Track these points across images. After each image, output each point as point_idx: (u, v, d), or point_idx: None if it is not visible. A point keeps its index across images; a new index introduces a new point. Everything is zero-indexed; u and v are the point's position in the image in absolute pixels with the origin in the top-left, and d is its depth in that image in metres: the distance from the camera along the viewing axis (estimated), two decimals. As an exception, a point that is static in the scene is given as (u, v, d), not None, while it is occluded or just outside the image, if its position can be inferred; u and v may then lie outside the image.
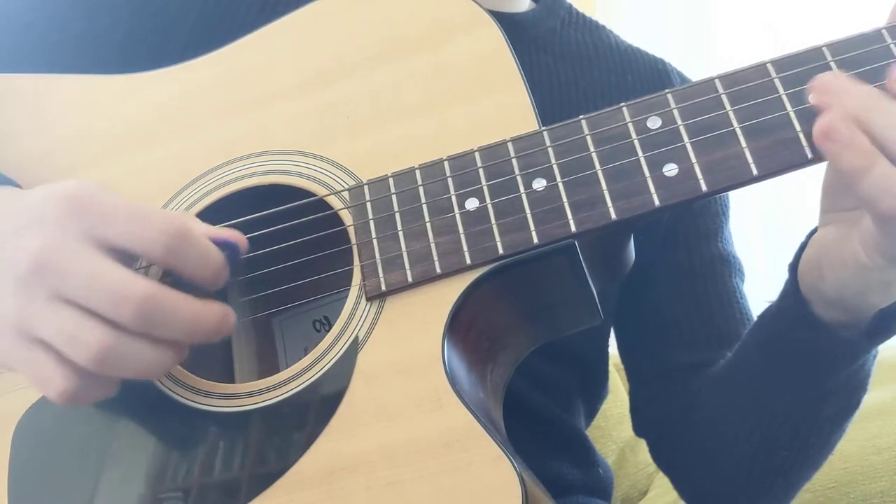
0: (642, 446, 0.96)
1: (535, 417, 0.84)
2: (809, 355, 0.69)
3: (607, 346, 0.94)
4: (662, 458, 0.94)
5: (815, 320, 0.67)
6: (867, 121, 0.53)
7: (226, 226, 0.65)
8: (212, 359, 0.72)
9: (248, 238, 0.65)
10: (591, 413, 0.97)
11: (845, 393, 0.73)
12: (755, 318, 0.78)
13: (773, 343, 0.74)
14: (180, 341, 0.56)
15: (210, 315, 0.55)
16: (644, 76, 0.93)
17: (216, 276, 0.56)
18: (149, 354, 0.54)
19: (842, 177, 0.55)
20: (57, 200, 0.54)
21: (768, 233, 1.83)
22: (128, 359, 0.54)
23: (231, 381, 0.73)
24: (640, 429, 0.95)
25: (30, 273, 0.53)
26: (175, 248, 0.54)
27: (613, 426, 1.45)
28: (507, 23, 0.71)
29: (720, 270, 0.90)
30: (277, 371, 0.63)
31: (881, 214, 0.54)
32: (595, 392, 0.95)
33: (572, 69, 0.90)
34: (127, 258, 0.54)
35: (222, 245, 0.57)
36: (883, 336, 0.68)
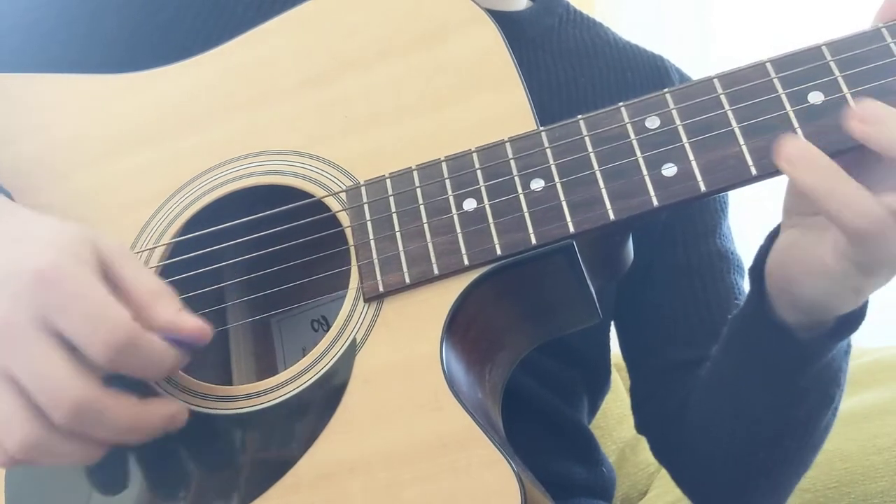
0: (643, 446, 0.97)
1: (542, 414, 0.84)
2: (774, 358, 0.69)
3: (608, 340, 0.94)
4: (662, 455, 0.94)
5: (777, 323, 0.67)
6: None
7: (225, 222, 0.66)
8: (209, 359, 0.72)
9: (246, 240, 0.65)
10: (593, 410, 0.97)
11: (816, 391, 0.72)
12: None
13: (740, 347, 0.74)
14: (113, 442, 0.55)
15: (151, 420, 0.55)
16: (643, 73, 0.93)
17: (162, 376, 0.56)
18: (75, 451, 0.53)
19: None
20: (28, 274, 0.53)
21: (768, 232, 1.82)
22: (52, 454, 0.53)
23: (229, 380, 0.72)
24: (640, 425, 0.95)
25: None
26: (117, 358, 0.52)
27: (614, 426, 1.45)
28: (506, 21, 0.70)
29: (718, 267, 0.90)
30: (275, 371, 0.62)
31: (849, 233, 0.54)
32: (598, 387, 0.95)
33: (571, 67, 0.89)
34: None
35: (179, 342, 0.56)
36: (844, 335, 0.67)
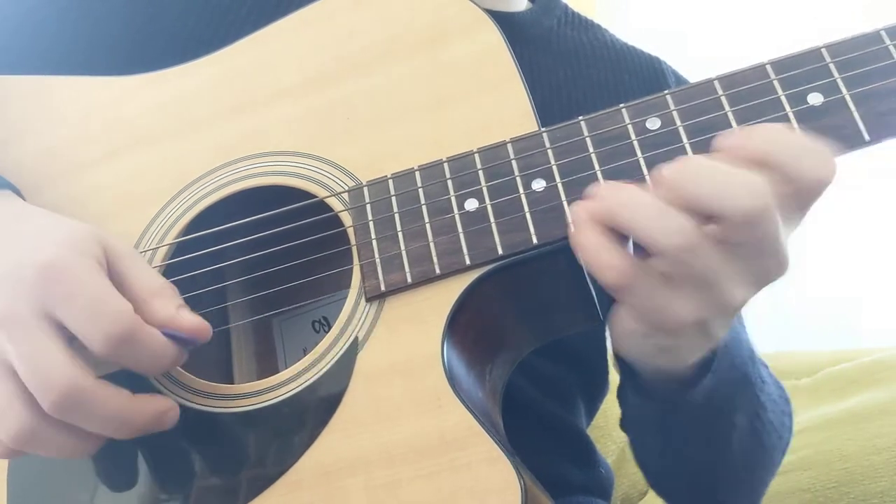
0: (643, 447, 0.97)
1: (538, 417, 0.84)
2: (645, 407, 0.71)
3: (605, 343, 0.94)
4: (638, 456, 0.94)
5: (631, 377, 0.68)
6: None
7: (224, 225, 0.66)
8: (210, 359, 0.72)
9: (249, 240, 0.66)
10: (592, 412, 0.97)
11: (701, 430, 0.72)
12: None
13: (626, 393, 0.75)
14: (103, 435, 0.55)
15: (141, 415, 0.56)
16: (641, 75, 0.93)
17: (161, 371, 0.56)
18: (67, 443, 0.54)
19: None
20: (34, 266, 0.54)
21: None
22: (45, 444, 0.54)
23: (230, 381, 0.73)
24: (624, 425, 0.95)
25: None
26: (116, 350, 0.53)
27: (613, 426, 1.45)
28: (506, 22, 0.71)
29: None
30: (276, 372, 0.62)
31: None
32: (595, 390, 0.95)
33: (570, 68, 0.90)
34: None
35: (178, 339, 0.56)
36: (693, 383, 0.66)
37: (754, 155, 0.53)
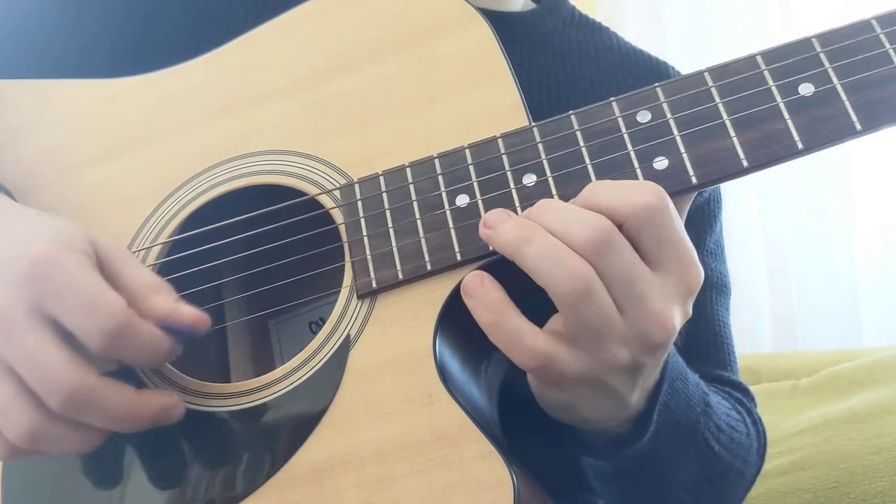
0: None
1: (540, 413, 0.83)
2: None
3: None
4: None
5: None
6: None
7: (220, 224, 0.66)
8: (208, 364, 0.72)
9: (240, 238, 0.65)
10: None
11: (640, 486, 0.71)
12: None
13: None
14: (110, 430, 0.56)
15: (145, 410, 0.55)
16: (645, 79, 0.92)
17: (156, 364, 0.57)
18: (74, 438, 0.54)
19: None
20: (24, 262, 0.53)
21: (767, 225, 1.82)
22: (52, 441, 0.54)
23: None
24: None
25: None
26: (112, 344, 0.53)
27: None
28: (499, 21, 0.71)
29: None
30: (272, 375, 0.62)
31: (517, 364, 0.56)
32: None
33: (571, 68, 0.89)
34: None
35: (176, 331, 0.56)
36: (628, 442, 0.65)
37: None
